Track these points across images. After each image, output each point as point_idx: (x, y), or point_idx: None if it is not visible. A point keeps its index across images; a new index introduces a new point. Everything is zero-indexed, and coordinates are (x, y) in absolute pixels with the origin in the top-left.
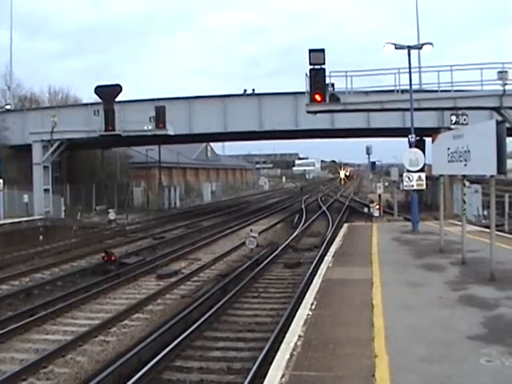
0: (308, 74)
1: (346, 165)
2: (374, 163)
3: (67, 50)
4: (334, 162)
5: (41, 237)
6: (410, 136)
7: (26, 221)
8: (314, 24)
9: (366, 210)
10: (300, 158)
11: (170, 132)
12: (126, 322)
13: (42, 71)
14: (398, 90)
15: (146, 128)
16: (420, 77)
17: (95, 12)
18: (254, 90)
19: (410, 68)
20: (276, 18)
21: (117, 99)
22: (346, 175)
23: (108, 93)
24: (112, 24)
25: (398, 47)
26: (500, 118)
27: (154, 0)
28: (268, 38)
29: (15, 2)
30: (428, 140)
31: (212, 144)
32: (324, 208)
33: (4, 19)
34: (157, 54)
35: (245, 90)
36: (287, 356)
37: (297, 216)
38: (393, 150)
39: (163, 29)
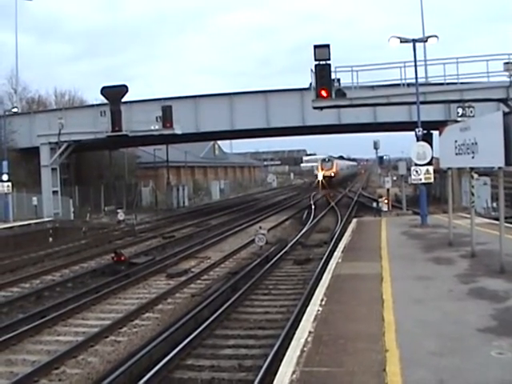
0: (313, 70)
1: (334, 159)
2: (381, 158)
3: (79, 52)
4: (341, 157)
5: (50, 239)
6: (417, 129)
7: (36, 223)
8: (323, 22)
9: (374, 204)
10: (308, 155)
11: (178, 131)
12: (137, 321)
13: (54, 74)
14: (404, 84)
15: (153, 128)
16: (426, 70)
17: (108, 15)
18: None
19: (415, 61)
20: (285, 17)
21: (123, 100)
22: (330, 176)
23: (114, 94)
24: (124, 26)
25: (402, 41)
26: (507, 110)
27: (166, 2)
28: (277, 37)
29: (29, 6)
30: (435, 133)
31: (219, 142)
32: (332, 204)
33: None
34: (168, 55)
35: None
36: (298, 352)
37: (305, 212)
38: (400, 145)
39: (175, 30)
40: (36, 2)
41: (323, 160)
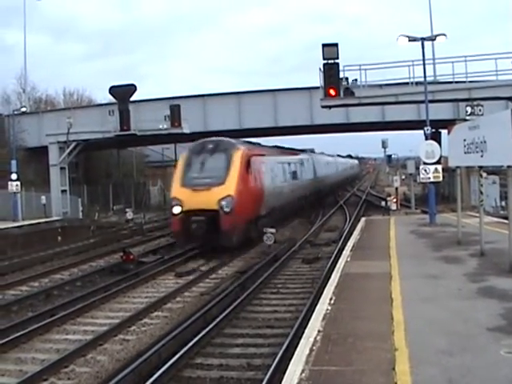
0: (322, 69)
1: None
2: (390, 156)
3: (93, 52)
4: (350, 156)
5: (59, 237)
6: (425, 128)
7: (45, 222)
8: (334, 21)
9: (383, 203)
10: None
11: (186, 130)
12: (146, 320)
13: (67, 73)
14: (412, 83)
15: (161, 127)
16: (434, 69)
17: (123, 15)
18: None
19: (423, 60)
20: (296, 16)
21: (132, 99)
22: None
23: (122, 93)
24: (138, 26)
25: (411, 39)
26: None
27: (180, 2)
28: (288, 36)
29: (45, 6)
30: (444, 132)
31: None
32: (341, 202)
33: (31, 23)
34: (180, 54)
35: None
36: (307, 351)
37: (313, 211)
38: (409, 143)
39: (187, 30)
40: (52, 2)
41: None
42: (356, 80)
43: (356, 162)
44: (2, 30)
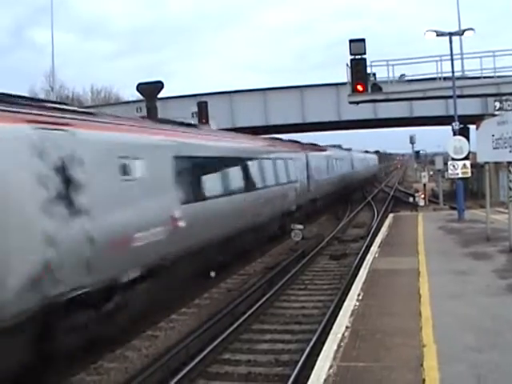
0: (349, 65)
1: None
2: (418, 152)
3: (122, 50)
4: (377, 152)
5: None
6: (453, 124)
7: None
8: (361, 17)
9: (411, 199)
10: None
11: (213, 127)
12: (174, 316)
13: (95, 71)
14: (440, 78)
15: None
16: (462, 64)
17: (152, 12)
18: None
19: (451, 55)
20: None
21: (159, 96)
22: None
23: (150, 90)
24: (167, 23)
25: (438, 34)
26: None
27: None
28: (315, 31)
29: (75, 5)
30: (472, 127)
31: None
32: (369, 198)
33: (61, 22)
34: (208, 51)
35: None
36: (335, 347)
37: (341, 207)
38: (436, 139)
39: (216, 27)
40: (82, 1)
41: None
42: (375, 74)
43: (373, 157)
44: (33, 30)
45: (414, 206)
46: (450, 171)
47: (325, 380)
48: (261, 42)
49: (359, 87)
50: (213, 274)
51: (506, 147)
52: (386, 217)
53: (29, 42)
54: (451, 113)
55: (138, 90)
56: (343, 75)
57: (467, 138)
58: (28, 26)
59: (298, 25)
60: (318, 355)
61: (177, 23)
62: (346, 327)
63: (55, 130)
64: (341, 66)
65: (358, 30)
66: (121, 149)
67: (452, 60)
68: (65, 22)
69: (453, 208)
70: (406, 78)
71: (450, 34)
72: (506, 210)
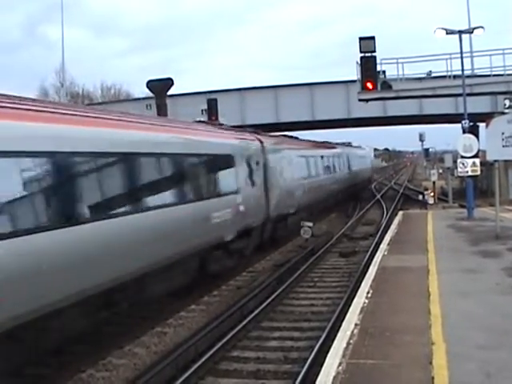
0: (359, 62)
1: None
2: (427, 150)
3: (135, 47)
4: (387, 149)
5: None
6: (463, 121)
7: None
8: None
9: (420, 197)
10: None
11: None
12: (183, 313)
13: (107, 68)
14: (450, 76)
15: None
16: (472, 62)
17: (166, 10)
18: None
19: (461, 53)
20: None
21: (169, 93)
22: None
23: (160, 87)
24: (180, 21)
25: (448, 32)
26: None
27: None
28: (329, 29)
29: (86, 1)
30: (482, 125)
31: None
32: (378, 196)
33: (73, 19)
34: (221, 48)
35: None
36: (344, 344)
37: (351, 205)
38: (446, 137)
39: (229, 24)
40: None
41: None
42: (384, 72)
43: (368, 152)
44: (45, 26)
45: (424, 204)
46: (459, 169)
47: (334, 377)
48: (274, 39)
49: (369, 85)
50: None
51: None
52: (396, 214)
53: (41, 39)
54: (461, 111)
55: (147, 87)
56: (355, 73)
57: (477, 135)
58: (41, 22)
59: (312, 22)
60: (327, 352)
61: (190, 20)
62: (356, 325)
63: None
64: (354, 64)
65: (370, 27)
66: None
67: (462, 58)
68: (77, 19)
69: (462, 206)
70: (416, 77)
71: (460, 32)
72: None
